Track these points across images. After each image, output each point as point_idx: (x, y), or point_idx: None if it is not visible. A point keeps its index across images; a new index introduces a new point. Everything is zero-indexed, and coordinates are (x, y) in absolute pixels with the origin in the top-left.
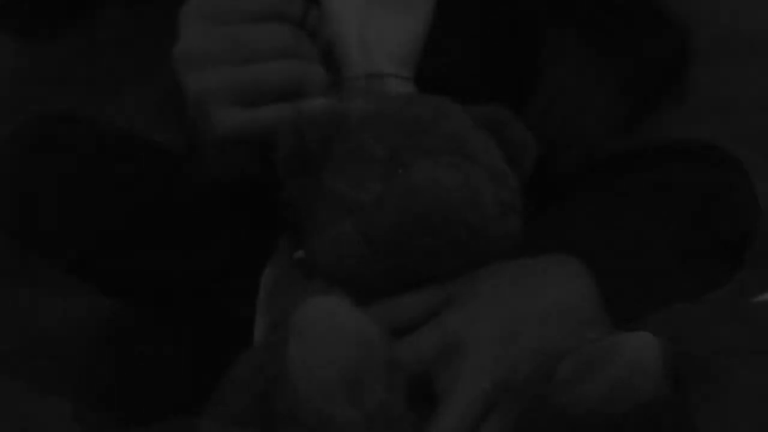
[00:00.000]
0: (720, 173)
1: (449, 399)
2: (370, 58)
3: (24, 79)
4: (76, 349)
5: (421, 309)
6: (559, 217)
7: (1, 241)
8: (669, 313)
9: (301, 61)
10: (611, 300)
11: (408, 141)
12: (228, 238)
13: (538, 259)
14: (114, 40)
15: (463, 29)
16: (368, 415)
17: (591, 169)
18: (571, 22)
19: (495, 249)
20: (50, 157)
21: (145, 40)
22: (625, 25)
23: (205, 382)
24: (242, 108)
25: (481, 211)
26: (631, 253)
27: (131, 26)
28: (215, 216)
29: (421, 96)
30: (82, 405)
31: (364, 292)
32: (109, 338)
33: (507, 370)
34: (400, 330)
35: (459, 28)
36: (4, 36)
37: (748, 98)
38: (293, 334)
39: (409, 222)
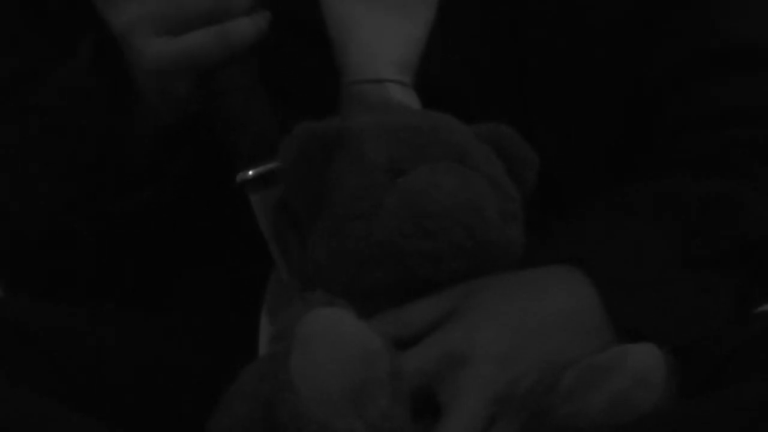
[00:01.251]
0: (724, 181)
1: (452, 410)
2: (370, 63)
3: None
4: (79, 358)
5: (424, 320)
6: (562, 228)
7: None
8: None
9: None
10: (614, 310)
11: (408, 150)
12: (178, 172)
13: (540, 270)
14: None
15: (464, 35)
16: (371, 426)
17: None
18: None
19: (497, 256)
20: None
21: None
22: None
23: (211, 392)
24: (170, 37)
25: (481, 215)
26: (633, 263)
27: None
28: (161, 155)
29: (423, 110)
30: (88, 415)
31: (367, 302)
32: (113, 348)
33: (510, 381)
34: (404, 341)
35: (459, 33)
36: None
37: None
38: (297, 345)
39: (409, 225)
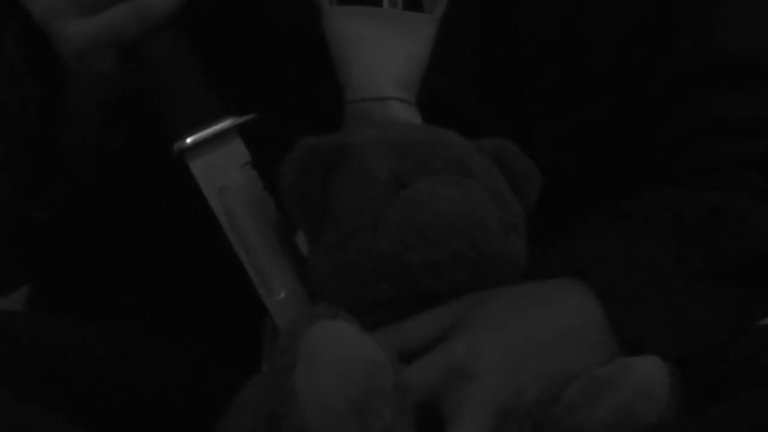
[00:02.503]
0: (727, 194)
1: (457, 423)
2: (373, 81)
3: None
4: (84, 374)
5: (428, 333)
6: (565, 241)
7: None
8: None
9: None
10: (617, 323)
11: (410, 163)
12: (125, 149)
13: (544, 283)
14: None
15: (465, 52)
16: None
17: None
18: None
19: (499, 267)
20: None
21: None
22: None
23: (214, 407)
24: (88, 17)
25: (483, 226)
26: (636, 276)
27: None
28: (105, 131)
29: (424, 125)
30: (91, 430)
31: (371, 315)
32: (118, 364)
33: (514, 394)
34: (408, 354)
35: (461, 51)
36: None
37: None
38: (301, 359)
39: (411, 237)
